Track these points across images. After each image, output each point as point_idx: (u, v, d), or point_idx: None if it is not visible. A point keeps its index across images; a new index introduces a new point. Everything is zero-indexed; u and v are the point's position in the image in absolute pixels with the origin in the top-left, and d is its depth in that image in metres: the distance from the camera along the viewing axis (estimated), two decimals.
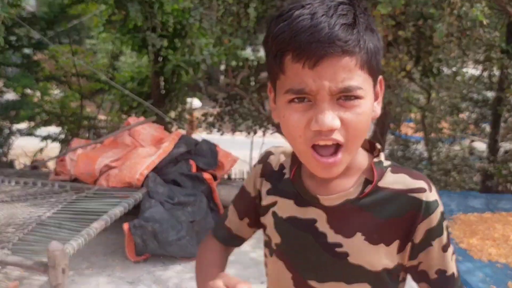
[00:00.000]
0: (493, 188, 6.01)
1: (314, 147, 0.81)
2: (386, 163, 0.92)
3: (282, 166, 1.01)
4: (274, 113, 0.88)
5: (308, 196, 0.92)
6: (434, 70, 5.18)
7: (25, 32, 5.71)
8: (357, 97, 0.78)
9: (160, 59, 6.00)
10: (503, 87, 5.57)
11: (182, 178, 4.02)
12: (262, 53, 5.99)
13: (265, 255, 1.04)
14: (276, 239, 0.98)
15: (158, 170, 3.95)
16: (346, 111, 0.78)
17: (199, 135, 5.13)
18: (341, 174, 0.87)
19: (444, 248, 0.90)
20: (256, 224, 1.08)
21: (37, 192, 3.83)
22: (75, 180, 4.13)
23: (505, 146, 6.47)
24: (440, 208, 0.88)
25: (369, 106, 0.81)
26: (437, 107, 6.57)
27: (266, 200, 1.01)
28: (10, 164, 6.50)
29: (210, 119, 6.22)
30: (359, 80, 0.77)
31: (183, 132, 4.70)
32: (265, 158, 1.05)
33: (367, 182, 0.90)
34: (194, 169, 4.16)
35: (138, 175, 3.81)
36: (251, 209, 1.06)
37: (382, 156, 0.93)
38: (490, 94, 6.71)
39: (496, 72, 6.07)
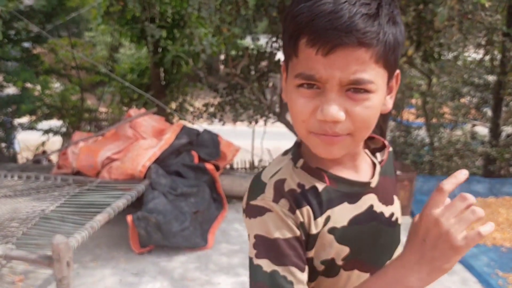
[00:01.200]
0: (495, 172, 6.00)
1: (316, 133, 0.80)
2: None
3: (301, 185, 0.85)
4: (284, 93, 0.86)
5: (359, 186, 0.88)
6: (435, 55, 5.14)
7: (24, 25, 5.68)
8: (367, 91, 0.75)
9: (160, 50, 5.97)
10: (505, 70, 5.54)
11: (184, 169, 4.02)
12: (262, 41, 5.96)
13: (318, 282, 0.89)
14: (343, 252, 0.86)
15: (160, 161, 3.95)
16: (353, 104, 0.76)
17: (201, 125, 5.12)
18: (358, 155, 0.90)
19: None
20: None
21: (39, 186, 3.83)
22: (78, 173, 4.13)
23: (507, 130, 6.45)
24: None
25: (379, 101, 0.78)
26: (438, 92, 6.56)
27: (315, 225, 0.84)
28: (13, 159, 6.52)
29: (211, 109, 6.21)
30: (372, 74, 0.75)
31: (184, 122, 4.69)
32: (281, 191, 0.84)
33: (374, 151, 0.97)
34: (196, 160, 4.15)
35: (140, 167, 3.81)
36: (303, 254, 0.85)
37: None
38: (492, 78, 6.67)
39: (498, 55, 6.02)
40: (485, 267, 3.67)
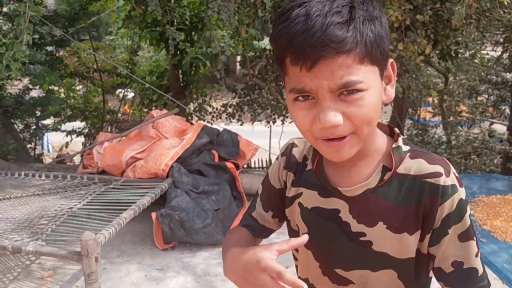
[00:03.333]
0: None
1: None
2: (405, 148, 0.90)
3: (305, 158, 1.02)
4: (288, 106, 0.89)
5: (330, 187, 0.94)
6: (452, 53, 5.15)
7: (48, 30, 5.84)
8: (358, 90, 0.77)
9: (178, 52, 6.08)
10: None
11: (205, 167, 4.11)
12: None
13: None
14: (303, 229, 1.00)
15: (182, 160, 4.05)
16: (349, 106, 0.78)
17: (220, 125, 5.20)
18: (360, 161, 0.90)
19: (462, 238, 0.85)
20: (280, 216, 1.09)
21: (66, 185, 3.95)
22: (103, 172, 4.25)
23: None
24: (460, 195, 0.85)
25: (374, 96, 0.80)
26: (456, 90, 6.54)
27: (291, 191, 1.02)
28: (38, 159, 6.70)
29: (230, 109, 6.29)
30: (359, 74, 0.77)
31: (204, 123, 4.78)
32: (288, 150, 1.06)
33: (385, 169, 0.89)
34: (216, 159, 4.24)
35: (163, 166, 3.91)
36: (275, 202, 1.08)
37: (400, 141, 0.91)
38: (510, 76, 6.63)
39: None
40: (505, 264, 3.68)
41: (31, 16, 3.05)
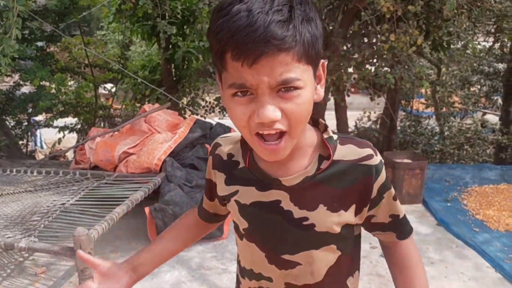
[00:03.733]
0: (507, 159, 6.00)
1: (259, 134, 0.85)
2: (335, 136, 0.98)
3: (230, 155, 1.06)
4: (222, 101, 0.93)
5: (269, 180, 0.98)
6: (445, 44, 5.16)
7: (38, 25, 5.79)
8: (296, 88, 0.81)
9: (170, 46, 6.04)
10: None
11: (198, 161, 4.10)
12: None
13: (235, 238, 1.12)
14: (243, 224, 1.04)
15: (175, 154, 4.03)
16: (286, 102, 0.81)
17: (213, 119, 5.19)
18: (295, 153, 0.95)
19: (394, 198, 1.02)
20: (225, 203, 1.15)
21: (59, 181, 3.92)
22: (95, 167, 4.22)
23: None
24: (383, 165, 0.99)
25: (309, 94, 0.85)
26: (448, 81, 6.56)
27: (225, 190, 1.06)
28: (31, 155, 6.66)
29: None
30: (297, 72, 0.80)
31: (197, 117, 4.76)
32: (213, 150, 1.10)
33: (321, 157, 0.96)
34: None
35: (156, 160, 3.89)
36: (215, 193, 1.13)
37: (330, 132, 0.99)
38: (502, 66, 6.65)
39: (508, 43, 6.01)
40: (498, 252, 3.71)
41: (20, 10, 3.02)
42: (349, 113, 6.35)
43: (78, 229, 2.55)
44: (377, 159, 0.97)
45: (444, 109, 6.85)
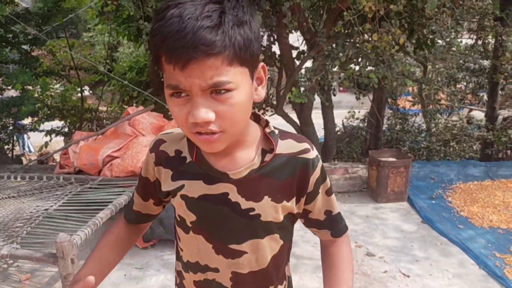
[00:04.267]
0: (493, 155, 6.06)
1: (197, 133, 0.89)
2: (276, 131, 1.04)
3: (178, 151, 1.08)
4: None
5: (217, 174, 1.01)
6: (429, 42, 5.18)
7: (21, 28, 5.73)
8: (228, 90, 0.84)
9: None
10: (498, 55, 5.57)
11: None
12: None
13: (179, 233, 1.14)
14: (190, 218, 1.07)
15: None
16: (219, 104, 0.85)
17: None
18: (240, 148, 1.00)
19: (328, 193, 1.09)
20: (160, 202, 1.19)
21: (42, 186, 3.89)
22: (80, 172, 4.19)
23: (503, 113, 6.49)
24: (320, 162, 1.06)
25: (243, 96, 0.87)
26: (434, 79, 6.59)
27: (171, 185, 1.08)
28: (17, 160, 6.61)
29: None
30: (228, 75, 0.83)
31: None
32: (156, 147, 1.11)
33: (264, 151, 1.02)
34: None
35: (141, 164, 3.88)
36: (153, 192, 1.15)
37: (272, 127, 1.04)
38: (487, 63, 6.70)
39: (491, 40, 6.05)
40: (482, 249, 3.75)
41: None
42: (338, 112, 6.37)
43: (60, 235, 2.53)
44: (313, 153, 1.04)
45: (430, 107, 6.89)
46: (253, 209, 1.02)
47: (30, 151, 9.09)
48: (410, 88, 7.16)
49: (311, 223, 1.13)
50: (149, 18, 4.87)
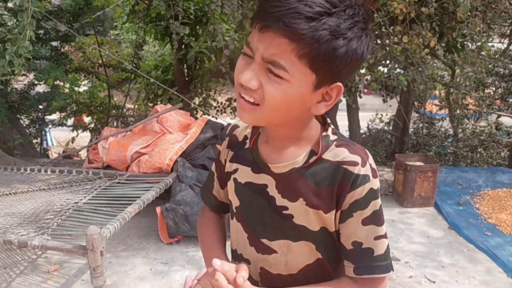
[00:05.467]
0: None
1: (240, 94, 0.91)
2: (333, 137, 0.99)
3: (245, 137, 1.11)
4: None
5: (261, 164, 1.03)
6: (458, 45, 5.11)
7: (52, 25, 5.85)
8: (278, 76, 0.84)
9: (183, 46, 6.07)
10: None
11: (209, 162, 4.12)
12: None
13: (229, 220, 1.17)
14: (236, 202, 1.10)
15: (186, 155, 4.06)
16: (268, 81, 0.85)
17: (224, 120, 5.21)
18: (292, 144, 1.00)
19: (364, 222, 0.95)
20: None
21: (72, 179, 3.97)
22: (108, 167, 4.26)
23: None
24: (371, 185, 0.94)
25: (292, 92, 0.86)
26: (462, 83, 6.50)
27: (229, 167, 1.12)
28: (44, 154, 6.74)
29: (234, 104, 6.29)
30: (288, 64, 0.83)
31: (208, 117, 4.78)
32: (231, 131, 1.16)
33: (312, 153, 0.98)
34: None
35: (168, 161, 3.92)
36: (226, 179, 1.17)
37: (329, 131, 1.00)
38: None
39: None
40: (510, 257, 3.68)
41: (34, 11, 3.06)
42: (361, 114, 6.32)
43: (91, 227, 2.58)
44: (361, 169, 0.94)
45: (458, 111, 6.78)
46: (286, 208, 1.00)
47: (52, 145, 9.27)
48: (437, 92, 7.06)
49: (339, 248, 1.02)
50: (178, 18, 4.93)
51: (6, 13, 6.03)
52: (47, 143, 8.58)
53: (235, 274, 0.92)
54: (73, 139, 6.35)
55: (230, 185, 1.11)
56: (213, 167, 1.23)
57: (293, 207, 0.99)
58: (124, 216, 2.98)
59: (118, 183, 3.80)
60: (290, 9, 0.79)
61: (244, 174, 1.06)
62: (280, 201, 1.00)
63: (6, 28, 5.87)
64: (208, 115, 5.85)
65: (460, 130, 6.58)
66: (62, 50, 6.37)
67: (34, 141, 6.55)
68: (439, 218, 4.54)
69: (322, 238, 1.00)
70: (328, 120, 1.03)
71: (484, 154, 6.14)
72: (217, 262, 0.93)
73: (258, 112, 0.90)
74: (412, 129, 6.69)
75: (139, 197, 3.31)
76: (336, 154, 0.96)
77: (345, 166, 0.94)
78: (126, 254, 3.68)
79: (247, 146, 1.09)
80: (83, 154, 7.03)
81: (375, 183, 0.95)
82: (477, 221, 4.36)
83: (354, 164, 0.94)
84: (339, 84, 0.89)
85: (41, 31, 5.88)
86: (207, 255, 1.16)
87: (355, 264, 0.98)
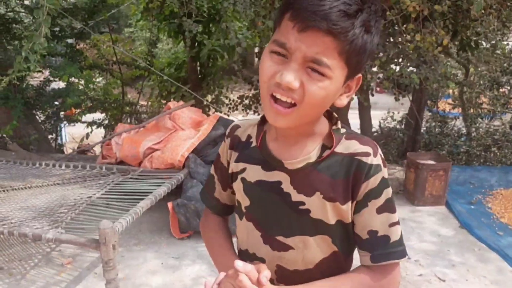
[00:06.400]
0: None
1: (273, 96, 0.90)
2: (342, 130, 1.01)
3: (249, 136, 1.11)
4: (261, 56, 0.96)
5: (274, 161, 1.02)
6: (472, 44, 5.06)
7: (68, 22, 5.93)
8: (322, 74, 0.86)
9: (196, 44, 6.11)
10: None
11: None
12: None
13: (236, 220, 1.16)
14: (245, 202, 1.09)
15: (198, 151, 4.09)
16: (309, 80, 0.86)
17: (236, 117, 5.24)
18: (303, 140, 1.00)
19: (379, 210, 0.98)
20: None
21: (86, 174, 4.03)
22: (121, 162, 4.32)
23: None
24: (383, 173, 0.98)
25: (332, 88, 0.88)
26: (476, 82, 6.43)
27: (234, 167, 1.11)
28: (59, 149, 6.84)
29: (246, 101, 6.31)
30: (331, 61, 0.85)
31: (220, 114, 4.82)
32: (232, 131, 1.15)
33: (324, 147, 1.00)
34: None
35: (180, 157, 3.96)
36: (229, 180, 1.16)
37: (339, 124, 1.02)
38: None
39: None
40: None
41: (50, 8, 3.11)
42: (373, 113, 6.30)
43: (104, 222, 2.62)
44: (373, 159, 0.97)
45: (471, 110, 6.72)
46: (303, 203, 1.00)
47: (66, 140, 9.39)
48: (451, 91, 6.99)
49: (354, 239, 1.04)
50: (191, 15, 4.96)
51: (22, 10, 6.12)
52: (61, 139, 8.70)
53: (257, 275, 0.92)
54: (87, 135, 6.43)
55: (238, 185, 1.10)
56: (212, 170, 1.23)
57: (310, 201, 0.99)
58: (136, 211, 3.01)
59: (131, 178, 3.85)
60: (333, 7, 0.81)
61: (254, 172, 1.06)
62: (296, 196, 1.00)
63: (22, 25, 5.95)
64: (220, 112, 5.89)
65: (474, 129, 6.51)
66: (77, 47, 6.45)
67: (49, 136, 6.64)
68: (450, 217, 4.52)
69: (338, 230, 1.01)
70: (335, 115, 1.05)
71: (498, 153, 6.08)
72: (239, 264, 0.92)
73: (295, 113, 0.90)
74: (424, 128, 6.64)
75: (151, 192, 3.35)
76: (347, 146, 0.98)
77: (358, 157, 0.96)
78: (138, 248, 3.73)
79: (253, 145, 1.08)
80: (97, 150, 7.12)
81: (386, 172, 0.99)
82: (489, 221, 4.33)
83: (367, 154, 0.97)
84: (360, 75, 0.95)
85: (57, 28, 5.96)
86: (219, 259, 1.15)
87: (371, 252, 0.99)
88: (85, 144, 6.54)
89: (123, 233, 3.29)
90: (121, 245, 3.68)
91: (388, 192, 0.99)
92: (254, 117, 1.12)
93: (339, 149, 0.99)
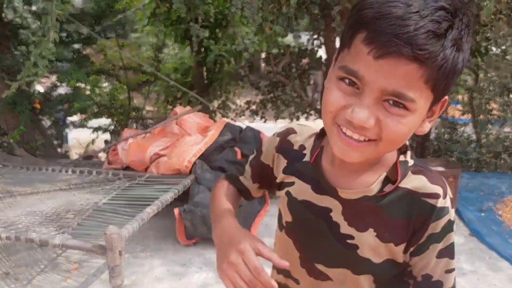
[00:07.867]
0: None
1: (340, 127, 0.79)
2: (411, 162, 0.89)
3: (302, 147, 1.00)
4: (326, 80, 0.84)
5: (327, 185, 0.92)
6: (482, 49, 5.01)
7: (75, 28, 5.95)
8: (405, 108, 0.73)
9: (202, 49, 6.11)
10: None
11: (228, 164, 4.12)
12: (303, 39, 5.99)
13: (276, 227, 1.09)
14: (287, 217, 1.01)
15: (204, 157, 4.06)
16: (387, 116, 0.73)
17: (243, 123, 5.21)
18: (364, 168, 0.88)
19: (438, 255, 0.88)
20: (265, 188, 1.13)
21: (92, 180, 4.02)
22: (127, 168, 4.29)
23: None
24: (449, 216, 0.86)
25: (415, 121, 0.76)
26: (486, 88, 6.37)
27: (281, 177, 1.02)
28: (65, 155, 6.84)
29: (253, 107, 6.29)
30: (416, 93, 0.72)
31: (227, 120, 4.79)
32: (285, 134, 1.04)
33: (387, 180, 0.88)
34: (239, 156, 4.24)
35: (186, 163, 3.93)
36: (264, 176, 1.09)
37: (408, 155, 0.89)
38: None
39: None
40: None
41: (58, 14, 3.11)
42: None
43: (110, 227, 2.59)
44: (443, 202, 0.85)
45: (481, 117, 6.64)
46: (352, 237, 0.90)
47: (67, 143, 9.42)
48: (460, 97, 6.92)
49: (407, 275, 0.94)
50: (198, 21, 4.95)
51: (30, 16, 6.15)
52: (67, 143, 8.72)
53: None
54: (93, 141, 6.43)
55: (282, 197, 1.02)
56: (252, 161, 1.12)
57: (360, 237, 0.90)
58: (143, 217, 2.99)
59: (137, 184, 3.82)
60: (419, 28, 0.67)
61: (302, 191, 0.97)
62: (345, 228, 0.91)
63: (30, 31, 5.98)
64: (227, 117, 5.87)
65: (484, 135, 6.44)
66: (84, 52, 6.48)
67: (55, 142, 6.65)
68: (460, 225, 4.46)
69: (384, 269, 0.92)
70: (406, 142, 0.89)
71: (508, 160, 6.01)
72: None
73: (371, 148, 0.78)
74: (433, 134, 6.58)
75: (157, 198, 3.32)
76: (414, 183, 0.86)
77: (425, 199, 0.85)
78: (144, 255, 3.70)
79: (306, 159, 0.98)
80: (102, 155, 7.12)
81: (453, 214, 0.88)
82: (499, 228, 4.26)
83: (436, 196, 0.85)
84: (446, 97, 0.80)
85: (64, 34, 5.99)
86: (218, 219, 1.03)
87: None
88: (91, 150, 6.54)
89: (129, 239, 3.25)
90: (128, 251, 3.65)
91: (451, 237, 0.88)
92: (311, 125, 1.02)
93: (404, 183, 0.87)
